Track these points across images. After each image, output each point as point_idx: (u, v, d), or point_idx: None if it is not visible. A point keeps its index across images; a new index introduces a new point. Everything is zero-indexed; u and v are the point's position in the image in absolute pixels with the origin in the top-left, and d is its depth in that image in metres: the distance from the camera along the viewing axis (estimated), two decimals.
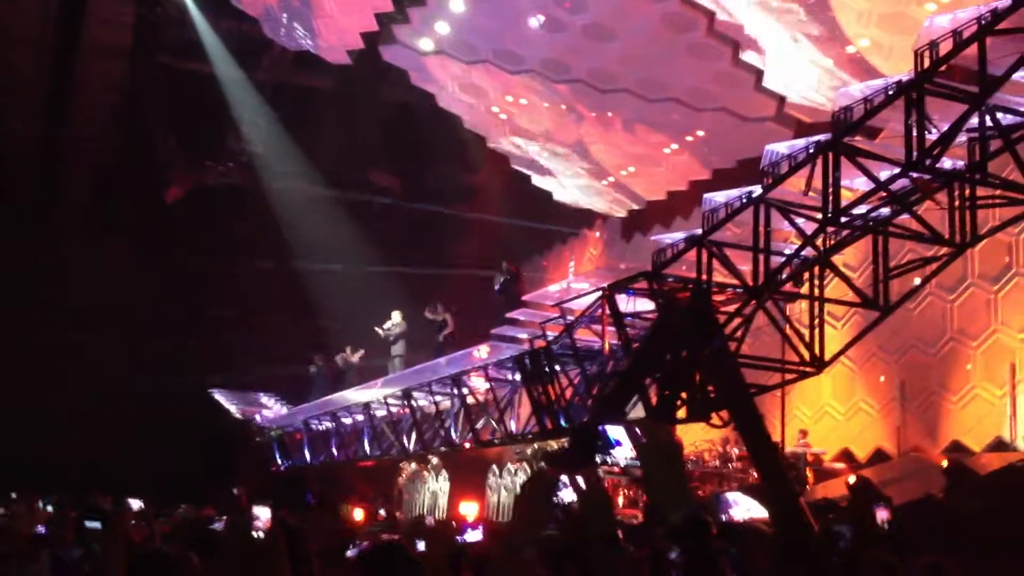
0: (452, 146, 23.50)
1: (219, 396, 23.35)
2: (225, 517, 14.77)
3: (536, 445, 16.25)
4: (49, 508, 13.56)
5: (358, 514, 13.40)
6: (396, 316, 21.34)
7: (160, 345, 26.10)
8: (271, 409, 22.71)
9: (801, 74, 16.03)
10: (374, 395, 17.70)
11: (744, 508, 9.84)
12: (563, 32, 17.71)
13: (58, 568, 6.53)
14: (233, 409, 23.02)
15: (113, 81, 23.59)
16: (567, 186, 22.27)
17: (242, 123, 24.43)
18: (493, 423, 14.24)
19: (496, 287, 18.55)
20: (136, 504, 13.18)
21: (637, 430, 2.57)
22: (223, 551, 4.68)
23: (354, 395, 18.75)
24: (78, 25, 21.72)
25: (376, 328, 21.52)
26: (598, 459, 10.70)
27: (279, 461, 21.48)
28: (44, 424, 24.62)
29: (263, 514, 12.18)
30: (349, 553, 6.18)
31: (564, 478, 3.09)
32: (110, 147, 25.67)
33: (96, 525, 5.87)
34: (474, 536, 10.11)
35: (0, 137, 25.53)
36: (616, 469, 13.82)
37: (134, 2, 21.23)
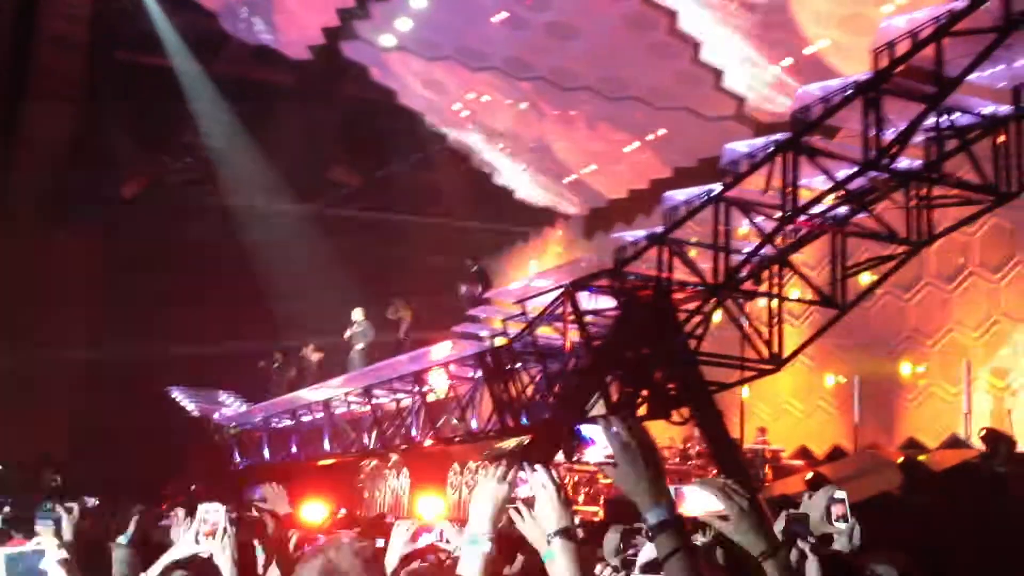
0: (413, 143, 23.41)
1: (177, 394, 23.11)
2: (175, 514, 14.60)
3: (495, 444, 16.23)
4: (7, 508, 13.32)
5: (318, 512, 13.29)
6: (358, 314, 21.14)
7: (116, 341, 25.79)
8: (230, 407, 22.51)
9: (758, 75, 16.15)
10: (335, 393, 17.61)
11: (699, 502, 9.84)
12: (525, 30, 17.71)
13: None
14: (191, 407, 22.78)
15: (69, 75, 23.25)
16: (529, 184, 22.28)
17: (200, 118, 24.17)
18: (454, 421, 14.20)
19: (463, 291, 18.32)
20: (91, 501, 12.97)
21: (614, 428, 2.58)
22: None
23: (314, 393, 18.64)
24: (33, 19, 21.39)
25: (345, 336, 21.20)
26: (574, 457, 10.63)
27: (237, 459, 21.29)
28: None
29: (212, 516, 12.08)
30: (306, 550, 6.12)
31: (522, 474, 3.09)
32: (66, 141, 25.32)
33: (48, 524, 5.76)
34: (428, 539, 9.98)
35: None
36: (590, 465, 13.85)
37: None
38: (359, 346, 20.62)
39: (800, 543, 4.08)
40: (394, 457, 18.76)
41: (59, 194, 25.62)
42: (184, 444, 22.81)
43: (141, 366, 24.84)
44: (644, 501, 2.46)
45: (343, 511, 14.91)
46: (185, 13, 20.83)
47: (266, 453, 20.04)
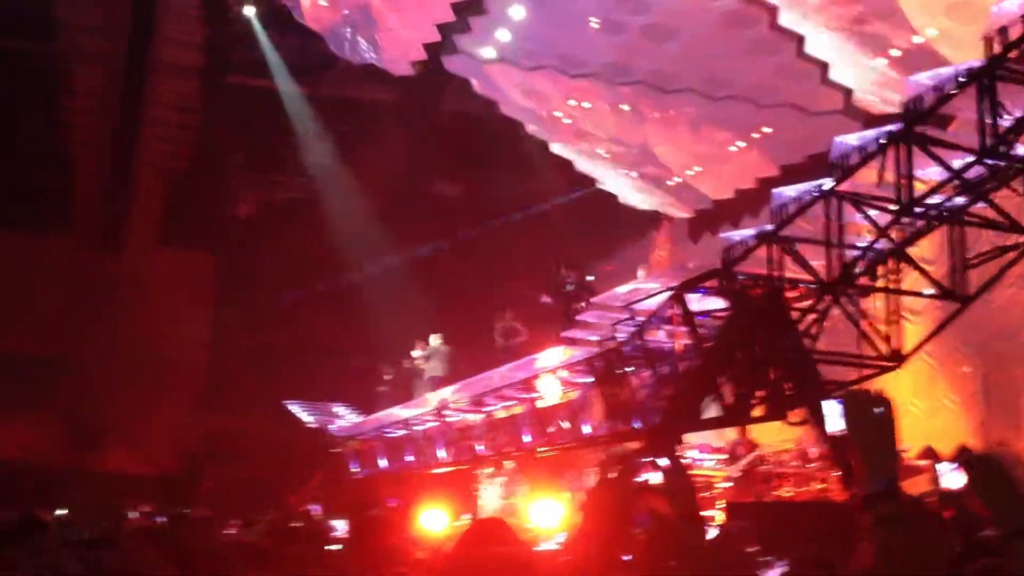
0: (516, 153, 23.57)
1: (294, 408, 23.65)
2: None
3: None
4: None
5: (439, 519, 13.50)
6: (434, 340, 21.47)
7: (233, 359, 26.52)
8: (345, 419, 22.93)
9: (865, 67, 15.83)
10: (447, 402, 17.83)
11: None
12: (623, 34, 17.69)
13: None
14: (309, 420, 23.29)
15: (183, 100, 24.11)
16: (632, 188, 22.21)
17: (306, 138, 24.75)
18: (565, 426, 14.24)
19: (544, 299, 18.60)
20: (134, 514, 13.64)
21: (846, 402, 2.83)
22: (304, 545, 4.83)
23: (427, 402, 18.90)
24: (148, 45, 22.24)
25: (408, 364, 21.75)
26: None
27: (355, 470, 21.68)
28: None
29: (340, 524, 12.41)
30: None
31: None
32: (181, 166, 26.23)
33: None
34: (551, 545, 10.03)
35: (72, 156, 26.27)
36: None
37: (204, 23, 21.69)
38: (428, 376, 20.82)
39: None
40: (508, 464, 18.89)
41: (175, 216, 26.56)
42: (304, 456, 23.32)
43: (257, 382, 25.51)
44: (875, 469, 2.65)
45: (464, 517, 15.10)
46: (292, 37, 21.45)
47: (382, 463, 20.36)
